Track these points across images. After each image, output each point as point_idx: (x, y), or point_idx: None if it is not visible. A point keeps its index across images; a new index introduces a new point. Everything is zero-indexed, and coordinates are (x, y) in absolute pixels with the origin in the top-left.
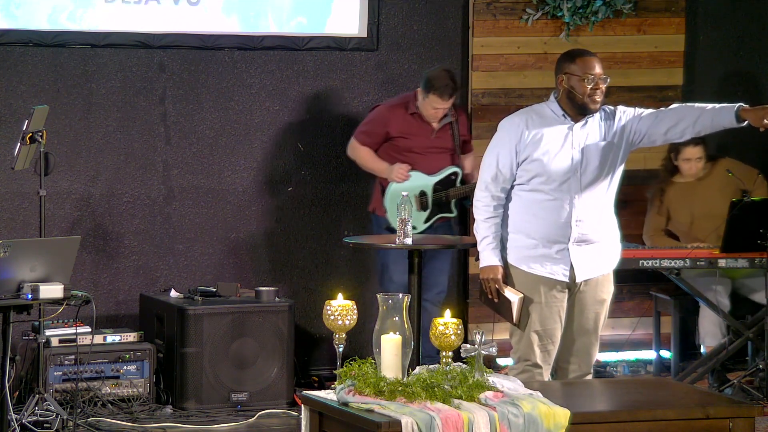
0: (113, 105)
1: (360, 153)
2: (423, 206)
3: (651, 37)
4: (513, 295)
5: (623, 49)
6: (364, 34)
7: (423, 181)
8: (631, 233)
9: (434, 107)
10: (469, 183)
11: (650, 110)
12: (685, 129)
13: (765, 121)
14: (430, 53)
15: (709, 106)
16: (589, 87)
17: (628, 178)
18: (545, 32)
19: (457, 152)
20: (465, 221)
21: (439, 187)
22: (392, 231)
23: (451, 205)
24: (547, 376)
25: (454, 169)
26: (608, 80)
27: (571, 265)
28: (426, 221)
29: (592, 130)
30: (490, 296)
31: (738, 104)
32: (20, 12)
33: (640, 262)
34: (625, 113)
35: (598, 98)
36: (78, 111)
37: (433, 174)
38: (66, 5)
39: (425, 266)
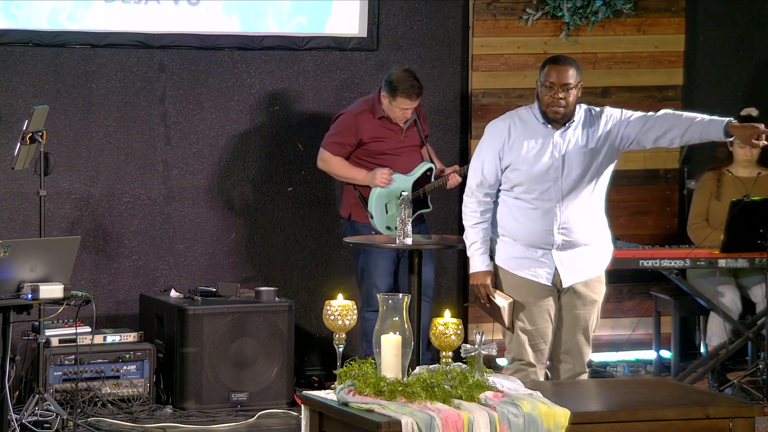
0: (113, 105)
1: (334, 164)
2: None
3: (651, 37)
4: (503, 300)
5: (623, 49)
6: (364, 34)
7: (402, 182)
8: (631, 233)
9: (402, 109)
10: (441, 177)
11: (638, 114)
12: (674, 138)
13: (753, 140)
14: (430, 53)
15: (699, 117)
16: (548, 95)
17: (628, 178)
18: (545, 32)
19: (425, 144)
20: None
21: (417, 185)
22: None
23: (428, 201)
24: (541, 376)
25: (429, 165)
26: (572, 90)
27: (556, 269)
28: None
29: (573, 136)
30: (482, 301)
31: (727, 119)
32: (20, 12)
33: (640, 262)
34: (611, 117)
35: (557, 108)
36: (78, 111)
37: (409, 173)
38: (66, 5)
39: (404, 266)
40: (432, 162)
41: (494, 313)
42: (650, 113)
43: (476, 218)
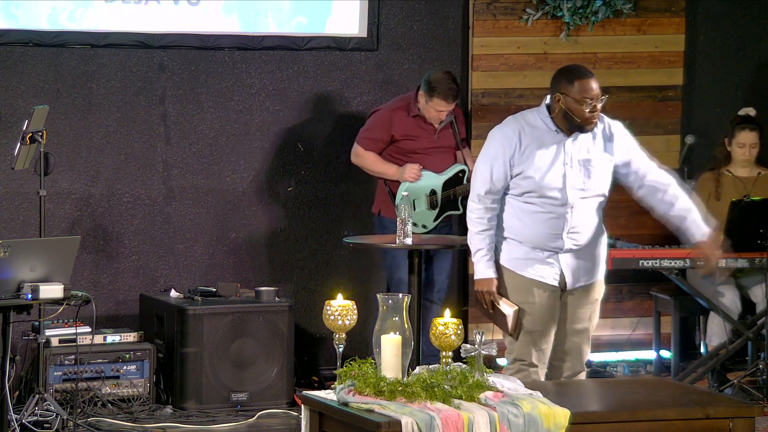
0: (113, 105)
1: (366, 158)
2: (433, 205)
3: (651, 37)
4: (508, 308)
5: (623, 49)
6: (364, 34)
7: (433, 180)
8: (631, 233)
9: (438, 110)
10: None
11: (645, 158)
12: (653, 209)
13: (712, 268)
14: (430, 53)
15: (687, 214)
16: (588, 110)
17: None
18: (545, 32)
19: (459, 148)
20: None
21: (448, 185)
22: None
23: (458, 203)
24: (542, 376)
25: (462, 167)
26: (605, 99)
27: (561, 271)
28: (435, 219)
29: (584, 144)
30: (485, 306)
31: (702, 238)
32: (20, 12)
33: (640, 262)
34: (622, 138)
35: (595, 119)
36: (78, 111)
37: (442, 173)
38: (66, 5)
39: (426, 265)
40: (466, 165)
41: (496, 318)
42: (656, 168)
43: (483, 225)
